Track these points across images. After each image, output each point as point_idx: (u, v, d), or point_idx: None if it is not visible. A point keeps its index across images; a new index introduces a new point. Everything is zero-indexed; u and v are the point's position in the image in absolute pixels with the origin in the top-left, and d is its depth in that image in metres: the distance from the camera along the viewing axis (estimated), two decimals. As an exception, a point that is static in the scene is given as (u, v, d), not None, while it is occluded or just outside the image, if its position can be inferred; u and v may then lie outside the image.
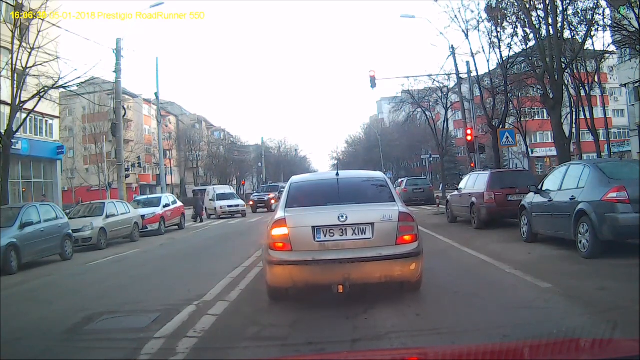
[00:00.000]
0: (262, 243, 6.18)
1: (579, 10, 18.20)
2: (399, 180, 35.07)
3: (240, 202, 27.92)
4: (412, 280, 5.71)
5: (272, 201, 30.11)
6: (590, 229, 7.57)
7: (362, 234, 5.40)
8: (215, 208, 27.73)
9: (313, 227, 5.40)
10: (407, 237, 5.45)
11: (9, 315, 6.06)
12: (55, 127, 27.64)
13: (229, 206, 27.15)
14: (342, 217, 5.37)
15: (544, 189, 9.56)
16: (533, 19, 16.84)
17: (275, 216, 5.76)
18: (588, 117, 24.63)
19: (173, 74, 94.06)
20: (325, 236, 5.38)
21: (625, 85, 27.28)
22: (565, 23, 17.07)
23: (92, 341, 5.14)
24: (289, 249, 5.40)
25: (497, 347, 2.84)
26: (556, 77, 15.47)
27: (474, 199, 13.48)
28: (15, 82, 15.46)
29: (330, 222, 5.40)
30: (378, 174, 7.32)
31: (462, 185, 15.40)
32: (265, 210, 30.10)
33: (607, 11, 19.13)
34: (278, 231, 5.47)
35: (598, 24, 18.85)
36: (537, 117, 38.16)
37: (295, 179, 6.85)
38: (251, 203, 32.27)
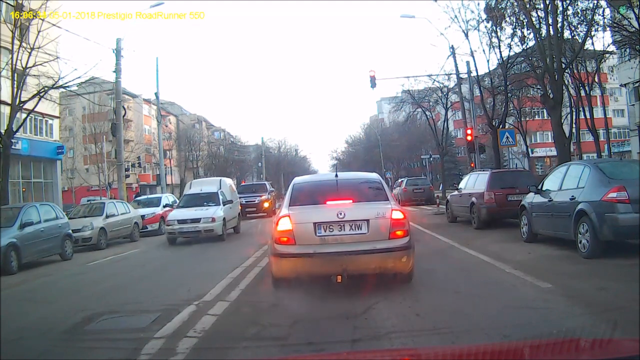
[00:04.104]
0: (268, 239, 6.62)
1: (579, 10, 18.25)
2: (399, 180, 35.05)
3: (209, 214, 14.26)
4: (404, 272, 6.25)
5: (266, 204, 24.03)
6: (590, 229, 7.57)
7: (358, 229, 5.95)
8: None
9: (314, 223, 5.94)
10: (399, 232, 5.99)
11: (9, 315, 6.07)
12: (55, 127, 27.62)
13: (179, 221, 14.08)
14: (341, 214, 5.89)
15: (544, 189, 9.56)
16: (533, 19, 16.86)
17: (280, 213, 6.32)
18: (588, 117, 24.64)
19: (173, 74, 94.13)
20: (325, 231, 5.93)
21: (625, 85, 27.27)
22: (565, 23, 17.08)
23: (92, 341, 5.14)
24: (292, 243, 5.96)
25: (497, 347, 2.85)
26: (556, 77, 15.48)
27: (474, 199, 13.48)
28: (15, 82, 15.46)
29: (329, 218, 5.94)
30: (374, 176, 7.71)
31: (462, 185, 15.40)
32: (256, 214, 23.72)
33: (607, 11, 19.18)
34: (283, 227, 6.02)
35: (598, 24, 18.91)
36: (537, 117, 38.18)
37: (297, 180, 7.43)
38: None
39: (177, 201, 18.82)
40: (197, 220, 14.01)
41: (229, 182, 18.66)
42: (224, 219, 14.51)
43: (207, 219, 14.05)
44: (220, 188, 16.58)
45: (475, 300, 5.67)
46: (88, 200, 26.50)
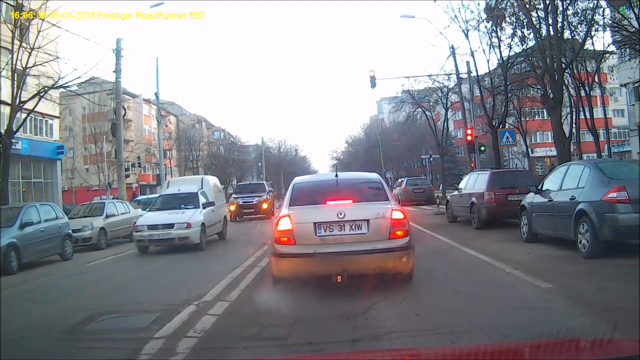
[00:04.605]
0: (268, 239, 6.60)
1: (579, 10, 18.26)
2: (399, 180, 35.03)
3: (184, 218, 12.30)
4: (404, 272, 6.25)
5: (264, 204, 22.37)
6: (590, 229, 7.57)
7: (358, 229, 5.96)
8: None
9: (314, 223, 5.95)
10: (399, 233, 6.00)
11: (9, 315, 6.07)
12: (55, 127, 27.64)
13: (149, 226, 12.22)
14: (341, 214, 5.90)
15: (544, 189, 9.56)
16: (533, 19, 16.86)
17: (280, 213, 6.34)
18: (588, 117, 24.65)
19: (173, 74, 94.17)
20: (325, 231, 5.94)
21: (625, 85, 27.26)
22: (565, 23, 17.09)
23: (92, 341, 5.14)
24: (292, 243, 5.96)
25: (497, 347, 2.85)
26: (556, 77, 15.49)
27: (474, 199, 13.48)
28: (15, 82, 15.47)
29: (329, 218, 5.93)
30: (374, 176, 7.71)
31: (462, 185, 15.40)
32: (254, 215, 22.47)
33: (607, 11, 19.18)
34: (283, 227, 6.03)
35: (598, 24, 18.92)
36: (537, 117, 38.21)
37: (297, 179, 7.44)
38: (233, 208, 21.94)
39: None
40: (169, 226, 12.12)
41: (212, 181, 16.55)
42: (203, 224, 12.56)
43: (182, 225, 12.10)
44: (202, 188, 14.48)
45: (475, 300, 5.67)
46: (100, 199, 26.24)
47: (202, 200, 13.43)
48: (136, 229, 12.55)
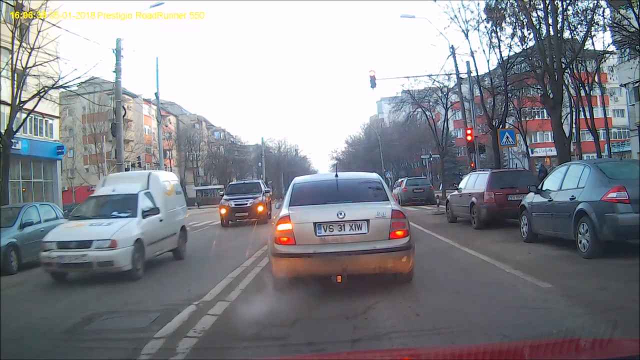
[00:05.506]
0: (268, 239, 6.60)
1: (579, 10, 18.26)
2: (399, 180, 35.05)
3: (107, 233, 8.37)
4: (404, 272, 6.26)
5: (260, 207, 19.58)
6: (590, 229, 7.57)
7: (358, 229, 5.97)
8: None
9: (314, 223, 5.95)
10: (399, 233, 6.02)
11: (9, 315, 6.06)
12: (55, 127, 27.66)
13: (60, 244, 8.42)
14: (341, 214, 5.91)
15: (544, 189, 9.57)
16: (533, 19, 16.87)
17: (280, 213, 6.33)
18: (588, 117, 24.65)
19: (173, 74, 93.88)
20: (325, 231, 5.95)
21: (625, 85, 27.26)
22: (565, 23, 17.09)
23: (92, 341, 5.14)
24: (292, 243, 5.98)
25: (497, 347, 2.85)
26: (556, 77, 15.49)
27: (474, 199, 13.48)
28: (15, 82, 15.47)
29: (329, 218, 5.93)
30: (374, 176, 7.73)
31: (462, 185, 15.41)
32: (249, 219, 19.41)
33: (607, 11, 19.19)
34: (283, 227, 6.02)
35: (598, 24, 18.93)
36: (537, 117, 38.20)
37: (297, 179, 7.46)
38: (224, 211, 19.66)
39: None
40: (86, 245, 8.30)
41: (165, 178, 11.69)
42: (139, 240, 8.77)
43: (103, 243, 8.25)
44: (148, 188, 10.20)
45: (475, 300, 5.67)
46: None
47: (143, 205, 9.50)
48: (44, 247, 8.60)
